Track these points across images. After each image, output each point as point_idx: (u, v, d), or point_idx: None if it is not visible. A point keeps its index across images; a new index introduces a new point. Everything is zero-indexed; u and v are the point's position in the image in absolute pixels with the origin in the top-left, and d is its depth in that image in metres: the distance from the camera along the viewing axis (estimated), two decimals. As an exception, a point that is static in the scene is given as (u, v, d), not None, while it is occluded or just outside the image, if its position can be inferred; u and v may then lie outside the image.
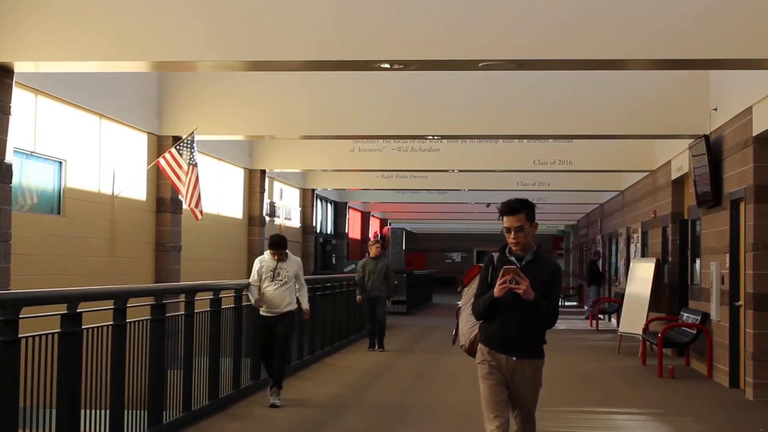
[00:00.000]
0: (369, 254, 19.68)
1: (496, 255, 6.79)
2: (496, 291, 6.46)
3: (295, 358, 14.88)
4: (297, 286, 12.35)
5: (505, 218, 6.69)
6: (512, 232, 6.65)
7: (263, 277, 12.08)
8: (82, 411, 8.13)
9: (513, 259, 6.67)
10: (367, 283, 19.28)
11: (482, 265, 6.91)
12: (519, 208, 6.67)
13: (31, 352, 7.34)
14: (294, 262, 12.32)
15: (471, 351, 6.95)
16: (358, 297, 19.51)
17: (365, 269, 19.37)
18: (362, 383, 14.58)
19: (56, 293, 8.44)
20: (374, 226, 43.95)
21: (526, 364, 6.65)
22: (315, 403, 12.52)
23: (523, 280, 6.36)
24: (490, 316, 6.65)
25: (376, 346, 19.20)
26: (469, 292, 7.07)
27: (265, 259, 12.19)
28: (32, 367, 7.37)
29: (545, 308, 6.54)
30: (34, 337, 7.40)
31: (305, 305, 12.67)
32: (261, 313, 12.22)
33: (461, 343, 7.06)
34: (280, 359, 12.14)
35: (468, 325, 6.98)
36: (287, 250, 12.20)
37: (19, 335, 7.14)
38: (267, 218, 23.17)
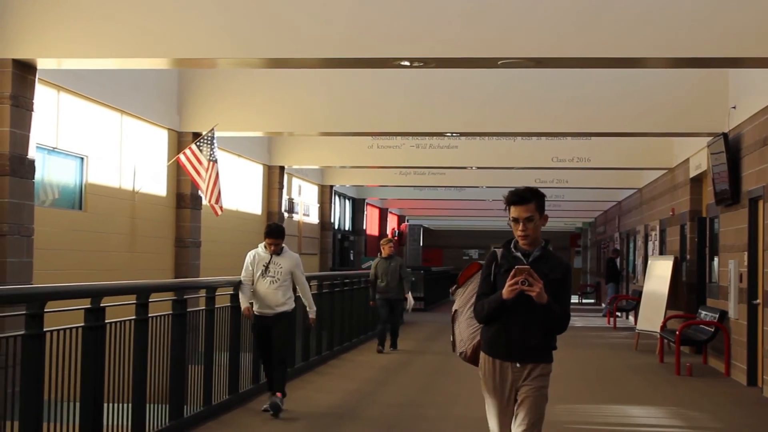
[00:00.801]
0: (381, 254, 18.69)
1: (499, 251, 6.14)
2: (506, 292, 5.81)
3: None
4: (297, 286, 11.42)
5: (512, 208, 6.02)
6: (521, 224, 5.97)
7: (255, 271, 11.12)
8: (105, 405, 8.23)
9: (519, 255, 6.03)
10: (381, 285, 18.29)
11: (482, 263, 6.29)
12: (529, 197, 5.99)
13: (55, 346, 7.44)
14: (290, 258, 11.25)
15: (473, 359, 6.27)
16: (371, 302, 18.68)
17: (378, 270, 18.42)
18: (368, 389, 13.42)
19: (81, 288, 8.53)
20: (392, 222, 44.05)
21: (531, 369, 5.97)
22: (317, 412, 11.76)
23: (537, 281, 5.75)
24: (496, 320, 6.00)
25: (388, 347, 18.40)
26: (465, 294, 6.39)
27: (258, 252, 11.22)
28: (56, 361, 7.47)
29: (558, 312, 5.91)
30: (58, 331, 7.50)
31: (311, 311, 11.60)
32: (254, 311, 11.18)
33: (461, 350, 6.35)
34: (280, 365, 11.19)
35: (469, 330, 6.29)
36: (284, 245, 11.27)
37: (44, 329, 7.23)
38: (285, 214, 23.25)
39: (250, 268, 11.12)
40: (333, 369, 15.64)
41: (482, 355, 6.11)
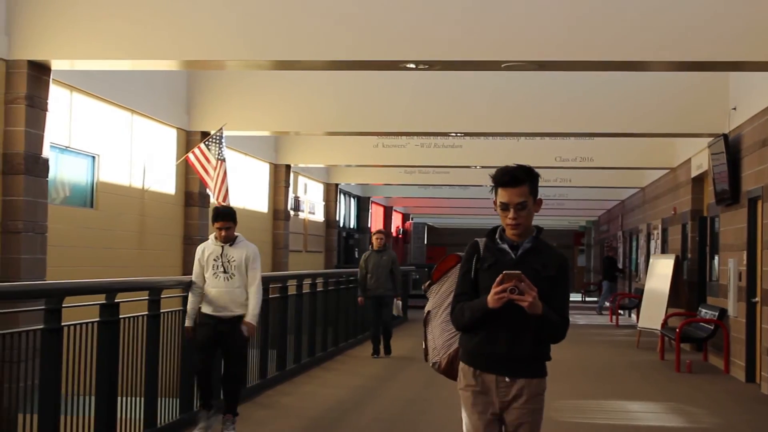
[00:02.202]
0: (372, 247, 17.17)
1: (482, 241, 5.08)
2: (491, 301, 4.75)
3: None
4: (247, 282, 9.52)
5: (501, 191, 4.96)
6: (511, 210, 4.92)
7: (206, 268, 9.44)
8: (119, 398, 8.46)
9: (506, 247, 4.98)
10: (370, 280, 16.76)
11: (461, 254, 5.21)
12: (523, 177, 4.96)
13: (72, 340, 7.68)
14: (246, 249, 9.51)
15: (449, 371, 5.22)
16: (360, 299, 17.15)
17: (368, 264, 16.85)
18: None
19: (97, 284, 8.82)
20: (396, 220, 44.24)
21: (522, 386, 4.92)
22: (323, 407, 11.84)
23: (530, 290, 4.70)
24: (478, 328, 4.94)
25: (382, 352, 16.90)
26: (441, 292, 5.32)
27: (208, 245, 9.54)
28: (72, 355, 7.69)
29: (555, 321, 4.88)
30: (75, 325, 7.74)
31: (250, 315, 9.47)
32: (204, 311, 9.45)
33: (434, 359, 5.27)
34: (233, 379, 9.61)
35: (445, 336, 5.24)
36: (239, 233, 9.61)
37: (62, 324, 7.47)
38: (291, 212, 23.45)
39: (199, 267, 9.47)
40: (339, 365, 15.84)
41: (462, 365, 5.06)
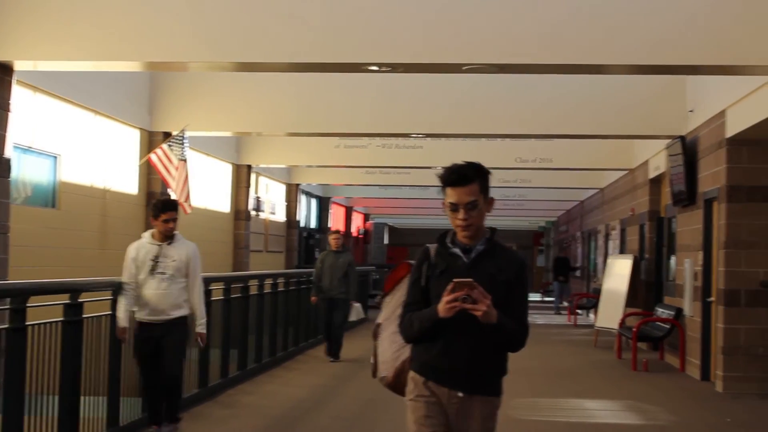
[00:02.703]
0: (329, 246, 16.74)
1: (433, 247, 4.76)
2: (442, 310, 4.43)
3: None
4: (188, 285, 9.03)
5: (450, 190, 4.66)
6: (461, 211, 4.61)
7: (141, 269, 8.85)
8: (82, 398, 8.49)
9: (457, 251, 4.67)
10: (324, 281, 16.32)
11: (413, 263, 4.88)
12: (472, 175, 4.66)
13: (36, 340, 7.71)
14: (186, 249, 8.98)
15: (396, 386, 4.92)
16: (312, 298, 16.77)
17: (323, 264, 16.40)
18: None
19: (62, 284, 8.84)
20: (357, 220, 44.31)
21: (477, 404, 4.62)
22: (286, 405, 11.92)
23: (483, 298, 4.38)
24: (430, 339, 4.62)
25: (329, 356, 16.44)
26: (392, 303, 5.02)
27: (143, 244, 8.96)
28: (36, 355, 7.72)
29: (512, 330, 4.55)
30: (39, 325, 7.77)
31: (202, 324, 9.15)
32: (139, 318, 8.94)
33: (382, 374, 4.98)
34: (170, 387, 9.09)
35: (393, 349, 4.92)
36: (177, 231, 9.02)
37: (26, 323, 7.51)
38: (253, 212, 23.50)
39: (133, 268, 8.85)
40: (299, 364, 15.92)
41: (412, 374, 4.73)
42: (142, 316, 8.90)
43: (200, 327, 9.13)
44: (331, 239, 16.80)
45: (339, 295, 16.29)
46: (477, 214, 4.61)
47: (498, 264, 4.62)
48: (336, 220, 37.66)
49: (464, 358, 4.55)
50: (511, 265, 4.65)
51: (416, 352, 4.70)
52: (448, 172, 4.67)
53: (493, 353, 4.60)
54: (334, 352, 16.43)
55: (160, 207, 8.88)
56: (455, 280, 4.39)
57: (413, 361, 4.72)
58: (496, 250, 4.67)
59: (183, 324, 8.97)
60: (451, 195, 4.63)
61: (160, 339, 8.84)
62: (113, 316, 8.93)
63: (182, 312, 8.94)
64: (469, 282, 4.37)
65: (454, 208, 4.63)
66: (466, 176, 4.63)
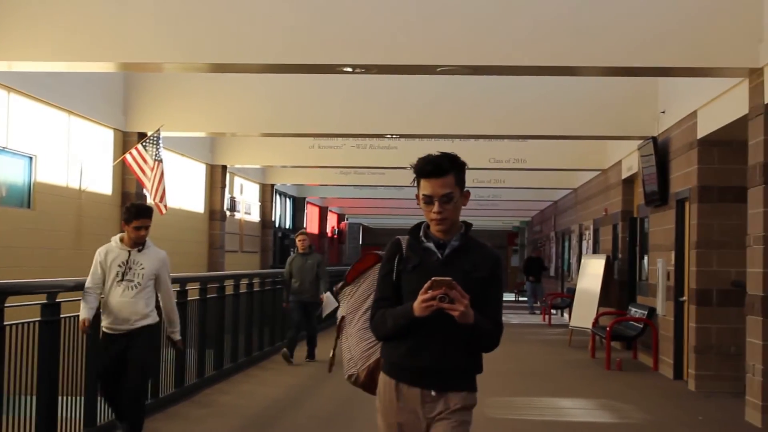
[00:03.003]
0: (296, 249, 16.40)
1: (405, 240, 4.52)
2: (418, 309, 4.23)
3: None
4: (159, 294, 8.70)
5: (424, 182, 4.42)
6: (436, 204, 4.37)
7: (108, 275, 8.39)
8: (60, 398, 8.49)
9: (431, 246, 4.45)
10: (295, 284, 15.94)
11: (380, 253, 4.67)
12: (447, 166, 4.39)
13: (13, 340, 7.73)
14: (156, 256, 8.56)
15: (368, 384, 4.75)
16: (285, 304, 16.40)
17: (292, 268, 16.02)
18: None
19: (40, 284, 8.85)
20: (332, 221, 44.34)
21: (450, 401, 4.40)
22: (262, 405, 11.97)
23: (461, 298, 4.17)
24: (402, 337, 4.41)
25: (303, 357, 16.11)
26: (356, 294, 4.80)
27: (112, 248, 8.47)
28: (14, 355, 7.73)
29: (488, 330, 4.37)
30: (16, 325, 7.79)
31: (175, 331, 8.94)
32: (103, 328, 8.50)
33: (350, 371, 4.81)
34: (133, 398, 8.46)
35: (363, 346, 4.74)
36: (147, 238, 8.56)
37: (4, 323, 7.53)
38: (228, 213, 23.51)
39: (100, 271, 8.39)
40: (276, 364, 15.94)
41: (382, 377, 4.54)
42: (105, 324, 8.48)
43: (176, 334, 8.93)
44: (297, 241, 16.35)
45: (312, 299, 15.93)
46: (452, 207, 4.39)
47: (473, 261, 4.41)
48: (311, 220, 37.69)
49: (436, 357, 4.36)
50: (486, 261, 4.45)
51: (386, 352, 4.52)
52: (423, 162, 4.41)
53: (466, 351, 4.40)
54: (310, 353, 16.22)
55: (133, 212, 8.44)
56: (434, 278, 4.19)
57: (384, 362, 4.54)
58: (471, 246, 4.46)
59: (147, 334, 8.47)
60: (426, 187, 4.39)
61: (124, 351, 8.38)
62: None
63: (148, 321, 8.47)
64: (448, 281, 4.17)
65: (428, 200, 4.39)
66: (442, 167, 4.37)
